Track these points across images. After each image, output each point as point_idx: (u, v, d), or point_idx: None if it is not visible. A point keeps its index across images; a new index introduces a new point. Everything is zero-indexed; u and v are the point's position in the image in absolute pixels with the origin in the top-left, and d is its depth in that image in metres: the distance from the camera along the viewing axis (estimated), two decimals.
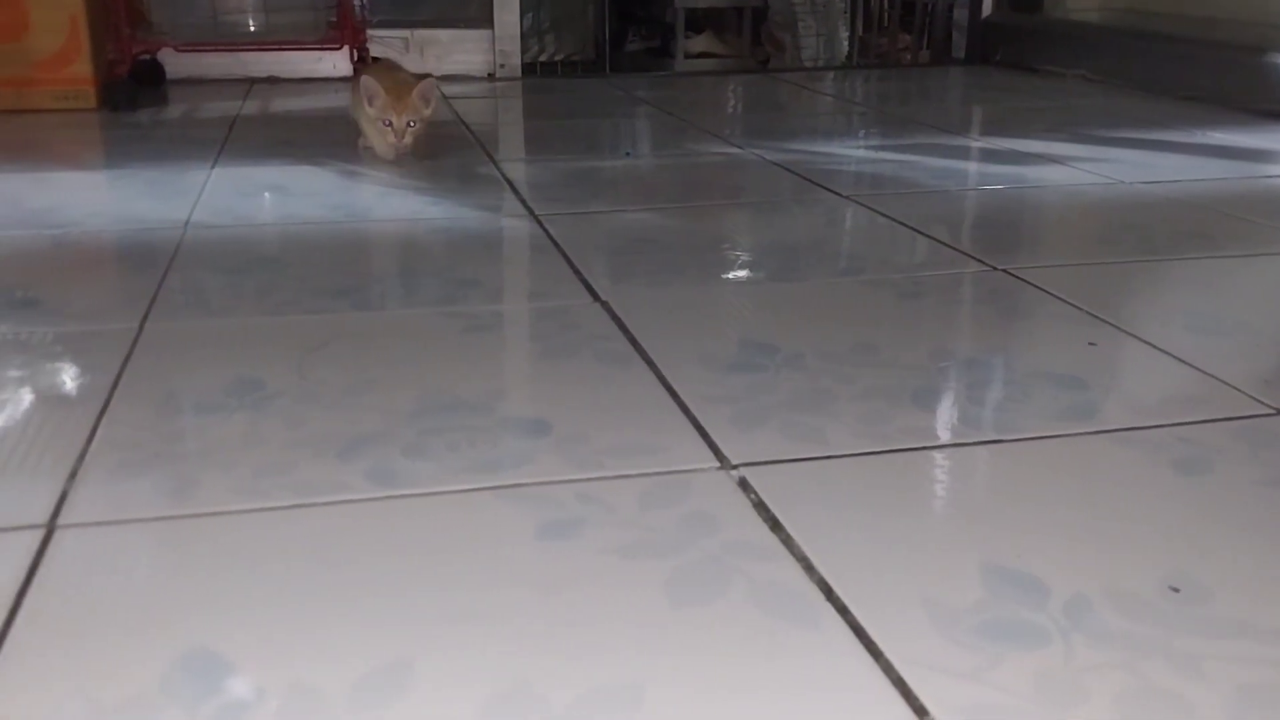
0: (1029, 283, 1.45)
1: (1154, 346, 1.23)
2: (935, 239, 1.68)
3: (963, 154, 2.40)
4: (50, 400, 1.09)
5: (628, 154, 2.49)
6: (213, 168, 2.16)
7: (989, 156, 2.37)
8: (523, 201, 1.92)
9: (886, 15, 3.94)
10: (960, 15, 3.90)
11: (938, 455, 0.99)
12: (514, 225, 1.78)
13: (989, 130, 2.71)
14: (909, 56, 3.93)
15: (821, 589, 0.77)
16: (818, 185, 2.04)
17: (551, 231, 1.71)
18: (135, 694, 0.66)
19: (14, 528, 0.85)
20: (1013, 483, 0.94)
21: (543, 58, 3.69)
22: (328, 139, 2.59)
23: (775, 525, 0.85)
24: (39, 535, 0.84)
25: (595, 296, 1.40)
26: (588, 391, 1.11)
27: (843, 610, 0.75)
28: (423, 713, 0.65)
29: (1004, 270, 1.50)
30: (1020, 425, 1.04)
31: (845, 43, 3.84)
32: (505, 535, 0.85)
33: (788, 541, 0.83)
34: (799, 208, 1.91)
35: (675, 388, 1.11)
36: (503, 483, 0.92)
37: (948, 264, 1.57)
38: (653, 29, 3.90)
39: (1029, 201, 1.97)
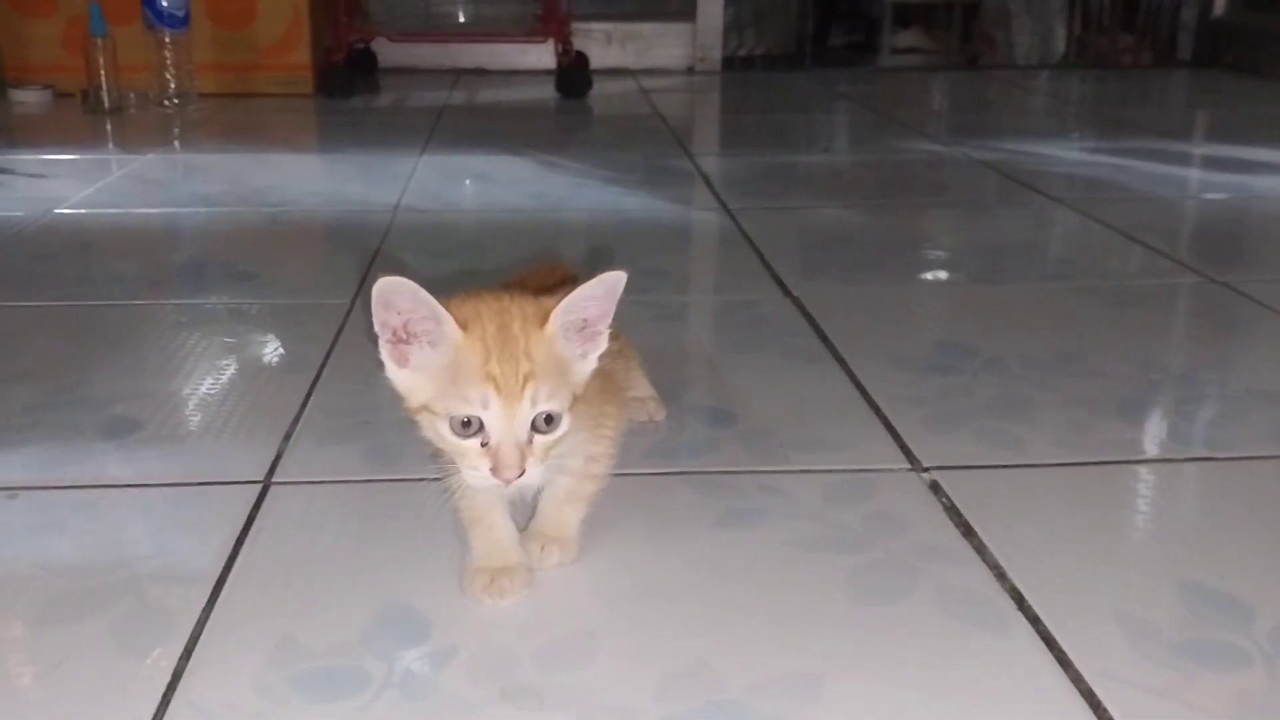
0: (1249, 297, 1.36)
1: None
2: (1150, 247, 1.60)
3: (1183, 160, 2.27)
4: (268, 368, 1.17)
5: (826, 149, 2.47)
6: (421, 155, 2.25)
7: (1212, 164, 2.23)
8: (716, 195, 1.93)
9: (1107, 14, 3.77)
10: (1187, 14, 3.69)
11: (1142, 470, 0.94)
12: (706, 218, 1.79)
13: (1213, 137, 2.56)
14: (1129, 57, 3.74)
15: (1013, 597, 0.75)
16: (1026, 186, 1.97)
17: (744, 225, 1.71)
18: (339, 642, 0.70)
19: (234, 482, 0.91)
20: (1221, 502, 0.89)
21: (742, 52, 3.69)
22: (529, 130, 2.66)
23: (967, 530, 0.83)
24: (256, 490, 0.89)
25: (786, 292, 1.39)
26: (775, 385, 1.11)
27: (1034, 620, 0.72)
28: (602, 684, 0.66)
29: (1222, 283, 1.42)
30: (1232, 444, 0.98)
31: (1061, 41, 3.69)
32: (687, 520, 0.85)
33: (980, 548, 0.81)
34: (1005, 209, 1.85)
35: (866, 386, 1.10)
36: (686, 469, 0.93)
37: (1162, 274, 1.49)
38: (857, 23, 3.84)
39: (1254, 213, 1.85)
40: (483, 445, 0.68)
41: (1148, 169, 2.14)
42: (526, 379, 0.68)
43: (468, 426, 0.68)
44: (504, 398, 0.67)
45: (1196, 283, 1.44)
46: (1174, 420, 1.03)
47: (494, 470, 0.68)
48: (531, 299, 0.71)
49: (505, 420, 0.68)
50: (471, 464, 0.69)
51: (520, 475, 0.68)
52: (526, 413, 0.68)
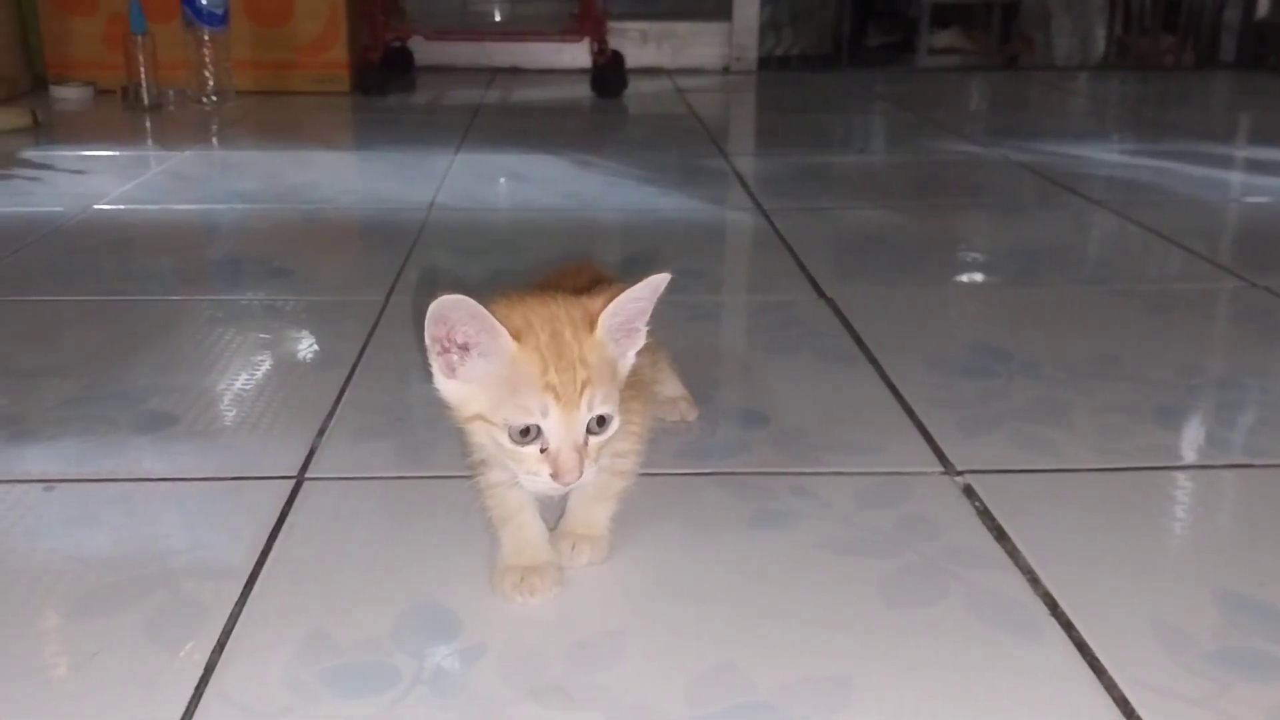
0: None
1: None
2: (1190, 250, 1.58)
3: (1225, 163, 2.24)
4: (302, 364, 1.17)
5: (862, 150, 2.46)
6: (456, 153, 2.26)
7: (1255, 167, 2.20)
8: (751, 195, 1.92)
9: (1148, 14, 3.72)
10: (1230, 15, 3.64)
11: (1180, 476, 0.93)
12: (740, 219, 1.79)
13: (1257, 140, 2.52)
14: (1171, 59, 3.70)
15: (1046, 603, 0.74)
16: (1064, 188, 1.96)
17: (778, 226, 1.71)
18: (370, 638, 0.70)
19: (268, 477, 0.91)
20: (1261, 510, 0.87)
21: (779, 51, 3.68)
22: (564, 129, 2.66)
23: (1000, 535, 0.82)
24: (289, 486, 0.90)
25: (820, 293, 1.38)
26: (808, 387, 1.10)
27: (1067, 626, 0.71)
28: (631, 684, 0.66)
29: (1264, 288, 1.40)
30: (1273, 450, 0.96)
31: (1102, 42, 3.65)
32: (718, 520, 0.85)
33: (1013, 553, 0.80)
34: (1042, 211, 1.84)
35: (899, 389, 1.09)
36: (718, 470, 0.93)
37: (1202, 278, 1.47)
38: (895, 23, 3.82)
39: None
40: (541, 451, 0.69)
41: (1188, 172, 2.12)
42: (584, 385, 0.69)
43: (526, 434, 0.69)
44: (563, 406, 0.68)
45: (1237, 287, 1.42)
46: (1213, 426, 1.02)
47: (554, 475, 0.69)
48: (576, 301, 0.72)
49: (565, 427, 0.69)
50: (530, 469, 0.70)
51: (579, 478, 0.69)
52: (583, 417, 0.69)
